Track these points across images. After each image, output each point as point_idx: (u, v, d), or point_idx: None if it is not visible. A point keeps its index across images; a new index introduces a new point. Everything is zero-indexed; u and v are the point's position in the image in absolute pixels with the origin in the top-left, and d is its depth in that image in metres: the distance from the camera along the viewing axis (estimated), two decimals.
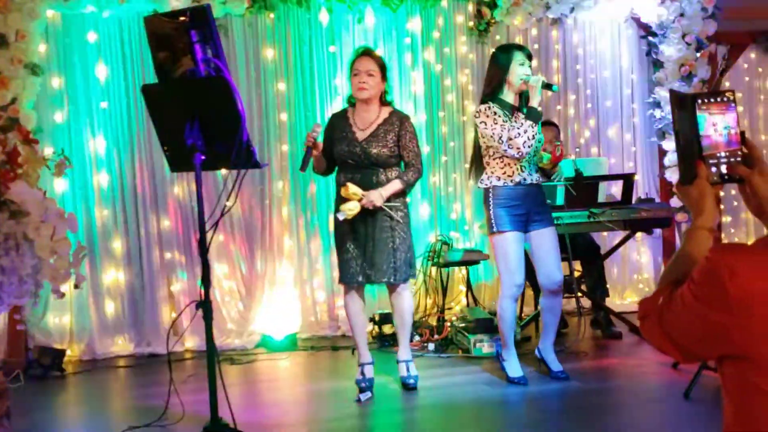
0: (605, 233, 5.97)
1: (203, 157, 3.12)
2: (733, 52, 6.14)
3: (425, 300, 5.75)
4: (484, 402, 4.10)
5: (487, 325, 5.01)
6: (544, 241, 4.25)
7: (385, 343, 5.34)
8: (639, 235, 6.04)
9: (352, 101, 4.26)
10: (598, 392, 4.19)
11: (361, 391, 4.18)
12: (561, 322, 4.88)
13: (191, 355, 5.35)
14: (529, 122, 4.08)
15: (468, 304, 5.74)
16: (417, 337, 5.31)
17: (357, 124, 4.19)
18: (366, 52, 4.18)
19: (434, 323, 5.48)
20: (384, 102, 4.22)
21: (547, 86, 4.14)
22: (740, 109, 6.62)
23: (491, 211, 4.20)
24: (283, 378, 4.89)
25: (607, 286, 5.63)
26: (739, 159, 1.54)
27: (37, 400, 4.48)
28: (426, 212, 6.02)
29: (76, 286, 4.53)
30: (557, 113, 6.20)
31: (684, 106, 1.57)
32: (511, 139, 4.08)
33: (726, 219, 6.56)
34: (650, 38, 6.08)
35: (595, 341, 5.33)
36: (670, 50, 5.88)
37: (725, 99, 1.54)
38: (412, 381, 4.28)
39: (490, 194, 4.21)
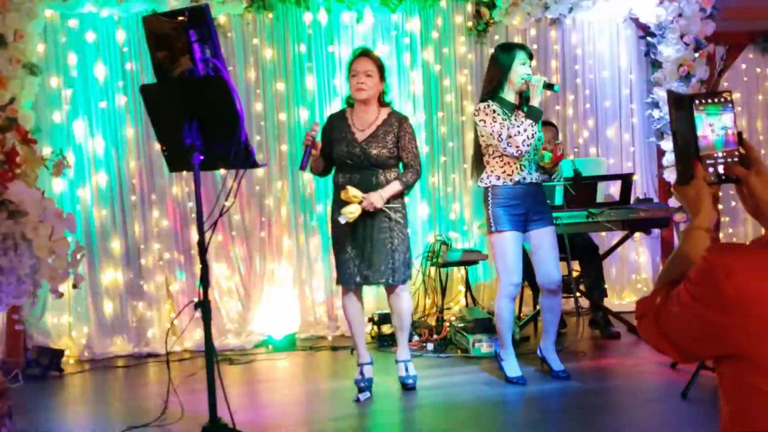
0: (604, 233, 5.97)
1: (202, 157, 3.11)
2: (731, 52, 6.14)
3: (424, 300, 5.75)
4: (482, 402, 4.10)
5: (486, 325, 5.01)
6: (544, 240, 4.26)
7: (384, 343, 5.34)
8: (637, 235, 6.04)
9: (350, 102, 4.26)
10: (596, 392, 4.19)
11: (360, 391, 4.18)
12: (560, 321, 4.88)
13: (190, 355, 5.34)
14: (529, 121, 4.09)
15: (467, 304, 5.74)
16: (416, 337, 5.31)
17: (356, 125, 4.18)
18: (364, 53, 4.18)
19: (433, 323, 5.48)
20: (382, 103, 4.22)
21: (549, 86, 4.15)
22: (738, 109, 6.62)
23: (490, 211, 4.21)
24: (282, 378, 4.89)
25: (606, 286, 5.63)
26: (736, 159, 1.54)
27: (36, 400, 4.48)
28: (425, 212, 6.02)
29: (75, 286, 4.51)
30: (556, 113, 6.20)
31: (681, 106, 1.57)
32: (510, 137, 4.08)
33: (725, 219, 6.57)
34: (649, 38, 6.08)
35: (593, 341, 5.33)
36: (668, 50, 5.88)
37: (722, 99, 1.54)
38: (411, 381, 4.28)
39: (489, 193, 4.22)
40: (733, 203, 6.52)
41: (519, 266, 4.23)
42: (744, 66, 6.67)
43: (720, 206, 6.36)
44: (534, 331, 5.59)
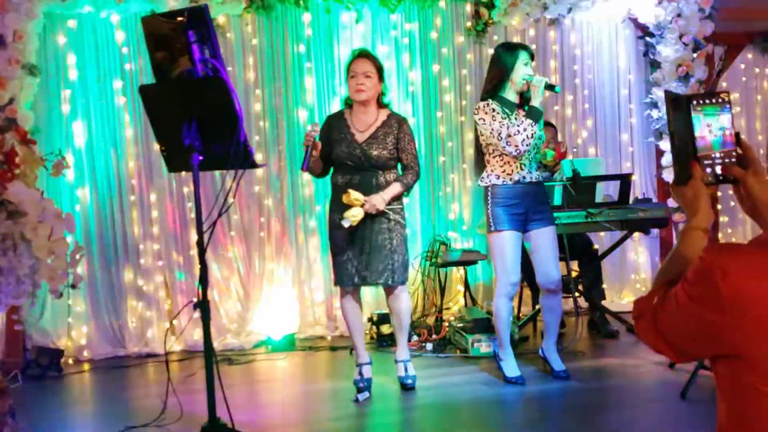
0: (602, 233, 5.98)
1: (201, 158, 3.12)
2: (730, 52, 6.15)
3: (423, 300, 5.75)
4: (481, 402, 4.10)
5: (485, 325, 5.02)
6: (544, 240, 4.26)
7: (383, 343, 5.34)
8: (636, 235, 6.04)
9: (348, 102, 4.26)
10: (595, 392, 4.20)
11: (359, 391, 4.18)
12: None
13: (189, 355, 5.34)
14: (529, 121, 4.10)
15: (466, 304, 5.74)
16: (415, 337, 5.32)
17: (355, 126, 4.19)
18: (363, 54, 4.18)
19: (432, 323, 5.49)
20: (381, 104, 4.23)
21: (550, 87, 4.16)
22: (737, 109, 6.62)
23: (489, 210, 4.22)
24: (281, 378, 4.90)
25: (604, 286, 5.64)
26: (733, 160, 1.54)
27: (35, 400, 4.48)
28: (424, 212, 6.03)
29: (74, 286, 4.52)
30: (555, 113, 6.21)
31: (679, 107, 1.58)
32: (510, 136, 4.09)
33: (723, 219, 6.57)
34: (647, 39, 6.08)
35: (592, 341, 5.34)
36: (667, 51, 5.89)
37: (720, 100, 1.55)
38: (410, 381, 4.28)
39: (489, 193, 4.22)
40: (732, 203, 6.52)
41: (517, 266, 4.24)
42: (743, 66, 6.67)
43: (719, 206, 6.37)
44: (533, 331, 5.59)
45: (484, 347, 4.93)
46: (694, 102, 1.54)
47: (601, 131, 6.38)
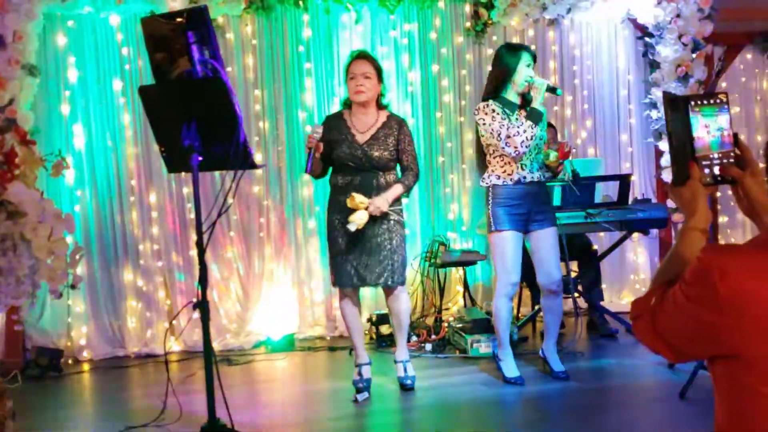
0: (602, 234, 5.98)
1: (200, 158, 3.12)
2: (729, 52, 6.15)
3: (422, 301, 5.75)
4: (481, 402, 4.11)
5: (484, 326, 5.02)
6: (545, 241, 4.26)
7: (382, 343, 5.34)
8: (635, 235, 6.05)
9: (348, 103, 4.27)
10: (594, 392, 4.20)
11: (359, 391, 4.19)
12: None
13: (188, 356, 5.34)
14: (529, 122, 4.10)
15: (465, 305, 5.75)
16: (414, 338, 5.32)
17: (356, 127, 4.19)
18: (362, 55, 4.18)
19: (431, 324, 5.49)
20: (380, 105, 4.23)
21: (552, 90, 4.16)
22: (737, 109, 6.62)
23: (490, 210, 4.22)
24: (280, 378, 4.90)
25: (603, 286, 5.64)
26: (731, 160, 1.55)
27: (35, 400, 4.48)
28: (423, 213, 6.03)
29: (73, 287, 4.52)
30: (554, 114, 6.21)
31: (677, 107, 1.58)
32: (509, 137, 4.09)
33: (722, 219, 6.57)
34: (647, 39, 6.08)
35: (591, 341, 5.34)
36: (666, 51, 5.89)
37: (718, 101, 1.55)
38: (409, 381, 4.29)
39: (490, 193, 4.23)
40: (732, 204, 6.52)
41: (518, 266, 4.24)
42: (742, 66, 6.68)
43: (719, 207, 6.37)
44: (532, 331, 5.60)
45: (483, 348, 4.93)
46: (692, 103, 1.55)
47: (601, 132, 6.38)
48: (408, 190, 4.22)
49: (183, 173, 4.95)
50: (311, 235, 5.82)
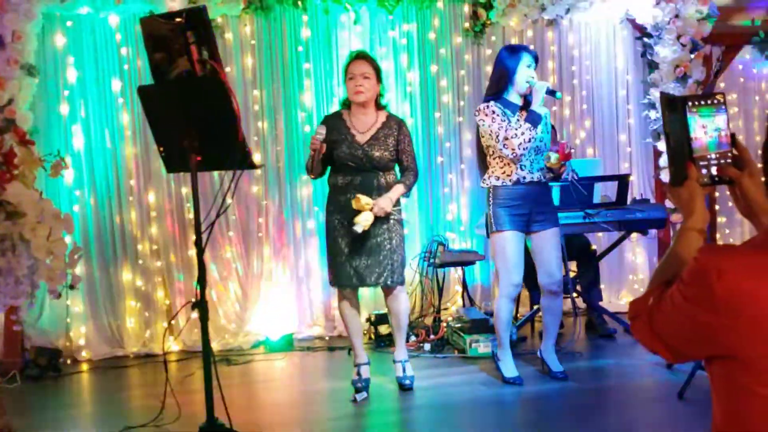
0: (600, 234, 5.99)
1: (199, 158, 3.12)
2: (727, 53, 6.15)
3: (421, 300, 5.76)
4: (479, 402, 4.11)
5: (483, 326, 5.03)
6: (547, 242, 4.26)
7: (381, 343, 5.35)
8: (634, 235, 6.05)
9: (346, 104, 4.27)
10: (593, 392, 4.21)
11: (357, 391, 4.19)
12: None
13: (187, 356, 5.35)
14: (527, 125, 4.10)
15: (464, 305, 5.75)
16: (413, 338, 5.32)
17: (356, 127, 4.19)
18: (360, 56, 4.19)
19: (430, 324, 5.49)
20: (379, 105, 4.23)
21: (551, 93, 4.17)
22: (735, 110, 6.63)
23: (491, 211, 4.23)
24: (279, 378, 4.90)
25: (602, 286, 5.64)
26: (729, 161, 1.55)
27: (34, 400, 4.49)
28: (422, 213, 6.03)
29: (72, 287, 4.51)
30: (553, 114, 6.20)
31: (674, 108, 1.58)
32: (507, 138, 4.10)
33: (721, 219, 6.58)
34: (645, 39, 6.09)
35: (590, 341, 5.35)
36: (665, 51, 5.89)
37: (716, 101, 1.55)
38: (408, 381, 4.29)
39: (491, 194, 4.24)
40: (730, 204, 6.52)
41: (520, 266, 4.24)
42: (740, 67, 6.68)
43: (717, 207, 6.37)
44: (531, 331, 5.60)
45: (482, 347, 4.94)
46: (690, 103, 1.55)
47: (599, 132, 6.38)
48: (408, 190, 4.24)
49: (182, 173, 4.95)
50: (310, 235, 5.82)
